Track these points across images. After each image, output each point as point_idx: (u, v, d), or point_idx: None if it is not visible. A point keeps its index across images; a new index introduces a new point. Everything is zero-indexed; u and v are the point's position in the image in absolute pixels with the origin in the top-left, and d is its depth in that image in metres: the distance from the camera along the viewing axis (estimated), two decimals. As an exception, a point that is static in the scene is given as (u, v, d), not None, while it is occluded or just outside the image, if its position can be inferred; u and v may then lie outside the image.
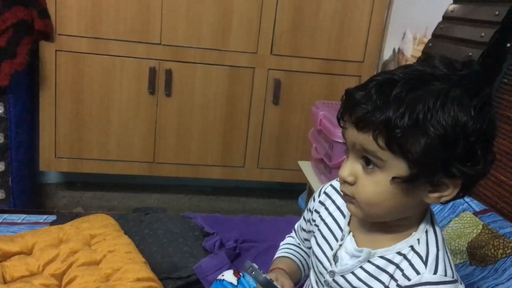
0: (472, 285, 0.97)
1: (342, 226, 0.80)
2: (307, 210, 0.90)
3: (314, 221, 0.86)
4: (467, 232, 1.07)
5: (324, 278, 0.79)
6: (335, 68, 2.28)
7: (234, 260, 1.19)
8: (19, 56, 1.94)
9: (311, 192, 2.05)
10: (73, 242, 1.12)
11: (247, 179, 2.40)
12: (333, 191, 0.85)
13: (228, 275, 0.90)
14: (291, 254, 0.94)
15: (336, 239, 0.80)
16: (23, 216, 1.33)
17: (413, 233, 0.72)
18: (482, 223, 1.08)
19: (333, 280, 0.78)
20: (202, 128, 2.28)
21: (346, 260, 0.76)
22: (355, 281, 0.74)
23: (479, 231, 1.05)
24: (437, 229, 0.73)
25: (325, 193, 0.86)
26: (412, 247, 0.71)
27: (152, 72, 2.15)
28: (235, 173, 2.38)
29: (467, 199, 1.20)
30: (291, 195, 2.59)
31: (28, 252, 1.10)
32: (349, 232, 0.78)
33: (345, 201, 0.74)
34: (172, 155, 2.28)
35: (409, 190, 0.67)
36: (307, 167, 2.08)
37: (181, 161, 2.30)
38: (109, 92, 2.16)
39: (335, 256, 0.78)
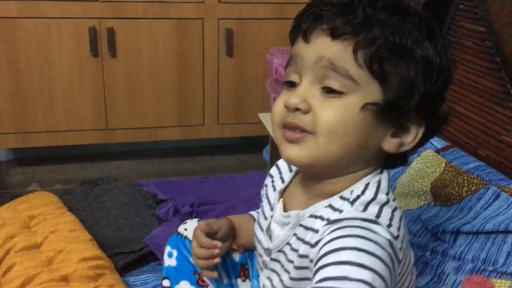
0: (438, 226, 0.93)
1: (276, 195, 0.70)
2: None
3: (262, 196, 0.76)
4: (429, 172, 1.01)
5: (263, 259, 0.69)
6: (289, 12, 2.15)
7: (190, 226, 1.11)
8: None
9: (274, 145, 1.98)
10: (10, 226, 1.02)
11: (208, 137, 2.31)
12: (284, 163, 0.74)
13: (191, 230, 0.77)
14: (257, 212, 0.82)
15: (271, 210, 0.70)
16: (-44, 202, 1.21)
17: (352, 186, 0.61)
18: (444, 160, 1.03)
19: (271, 259, 0.67)
20: (155, 88, 2.15)
21: (277, 231, 0.66)
22: (290, 254, 0.63)
23: (442, 169, 1.00)
24: (384, 189, 0.61)
25: (276, 164, 0.76)
26: (341, 197, 0.61)
27: (93, 32, 1.98)
28: (195, 132, 2.28)
29: (428, 137, 1.14)
30: (255, 148, 2.52)
31: (-41, 243, 1.00)
32: (279, 200, 0.68)
33: (288, 142, 0.59)
34: (125, 120, 2.16)
35: (375, 125, 0.58)
36: (267, 119, 2.00)
37: (136, 125, 2.18)
38: (48, 59, 2.00)
39: (268, 230, 0.68)
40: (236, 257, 0.81)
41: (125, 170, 2.44)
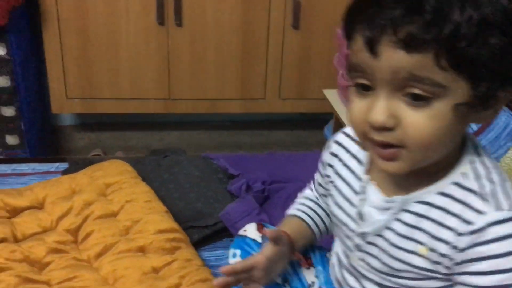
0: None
1: (360, 175, 0.66)
2: (321, 163, 0.76)
3: (328, 177, 0.72)
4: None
5: (355, 242, 0.67)
6: (360, -16, 2.05)
7: (263, 204, 1.09)
8: (15, -9, 1.78)
9: (338, 122, 1.92)
10: (87, 193, 1.03)
11: (268, 111, 2.27)
12: (346, 138, 0.70)
13: (251, 230, 0.80)
14: (303, 212, 0.81)
15: (356, 193, 0.66)
16: (33, 165, 1.24)
17: (454, 166, 0.58)
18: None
19: (367, 242, 0.65)
20: (218, 59, 2.12)
21: (376, 216, 0.63)
22: (394, 238, 0.61)
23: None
24: (486, 158, 0.59)
25: (336, 142, 0.71)
26: (458, 184, 0.57)
27: (160, 0, 1.96)
28: (256, 106, 2.25)
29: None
30: (316, 125, 2.46)
31: (39, 206, 1.02)
32: (369, 181, 0.64)
33: (383, 159, 0.56)
34: (187, 90, 2.15)
35: (466, 117, 0.54)
36: (332, 96, 1.94)
37: (197, 96, 2.17)
38: (115, 26, 2.00)
39: (360, 214, 0.65)
40: None
41: (184, 140, 2.45)
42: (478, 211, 0.56)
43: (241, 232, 0.81)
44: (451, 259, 0.58)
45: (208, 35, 2.07)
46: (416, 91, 0.51)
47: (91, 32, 1.99)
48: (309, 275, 0.79)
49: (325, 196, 0.77)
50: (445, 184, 0.58)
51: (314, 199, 0.83)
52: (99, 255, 0.91)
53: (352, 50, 0.55)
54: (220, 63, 2.13)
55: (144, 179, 1.13)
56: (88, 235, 0.95)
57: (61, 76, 2.03)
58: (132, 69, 2.07)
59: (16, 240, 0.93)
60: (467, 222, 0.56)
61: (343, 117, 1.77)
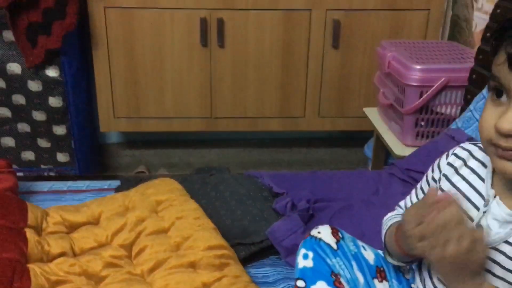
0: None
1: (482, 191, 0.69)
2: (427, 180, 0.78)
3: (441, 188, 0.74)
4: None
5: None
6: (399, 2, 2.07)
7: (308, 222, 1.11)
8: (68, 16, 1.88)
9: (378, 140, 1.93)
10: (140, 210, 1.07)
11: (307, 129, 2.30)
12: (465, 152, 0.74)
13: (326, 234, 0.79)
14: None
15: (476, 208, 0.68)
16: (87, 182, 1.30)
17: None
18: None
19: None
20: (258, 78, 2.17)
21: (496, 229, 0.66)
22: (510, 252, 0.64)
23: None
24: None
25: (455, 154, 0.75)
26: None
27: (204, 23, 2.03)
28: (295, 124, 2.28)
29: None
30: (354, 143, 2.47)
31: (95, 222, 1.07)
32: (494, 196, 0.67)
33: (502, 158, 0.61)
34: (229, 109, 2.20)
35: None
36: (373, 114, 1.95)
37: (238, 115, 2.22)
38: (161, 47, 2.08)
39: (478, 226, 0.67)
40: (371, 259, 0.80)
41: (224, 158, 2.50)
42: None
43: (314, 233, 0.80)
44: None
45: (249, 55, 2.12)
46: None
47: (138, 54, 2.08)
48: None
49: None
50: None
51: None
52: (152, 270, 0.95)
53: (495, 64, 0.61)
54: (261, 82, 2.17)
55: (192, 196, 1.17)
56: (141, 250, 0.99)
57: (109, 96, 2.13)
58: (176, 89, 2.14)
59: (75, 254, 0.99)
60: None
61: (384, 135, 1.78)
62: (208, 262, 0.95)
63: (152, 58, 2.09)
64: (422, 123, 1.58)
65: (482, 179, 0.70)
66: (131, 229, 1.03)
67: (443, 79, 1.52)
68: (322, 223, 1.10)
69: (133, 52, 2.08)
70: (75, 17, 1.88)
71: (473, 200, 0.70)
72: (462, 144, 0.76)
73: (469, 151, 0.73)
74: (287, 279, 0.98)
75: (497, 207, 0.66)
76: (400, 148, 1.62)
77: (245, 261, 1.02)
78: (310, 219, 1.13)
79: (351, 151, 2.53)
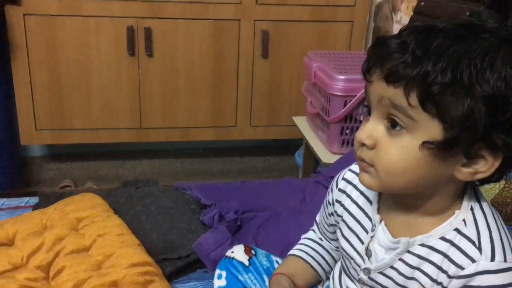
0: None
1: (370, 214, 0.70)
2: (327, 203, 0.79)
3: (336, 212, 0.76)
4: (487, 188, 0.98)
5: (358, 276, 0.70)
6: (325, 14, 2.13)
7: (236, 233, 1.10)
8: (-17, 23, 1.78)
9: (308, 148, 1.96)
10: (58, 228, 1.02)
11: (240, 138, 2.30)
12: (353, 175, 0.75)
13: (239, 253, 0.82)
14: (303, 251, 0.84)
15: (366, 230, 0.70)
16: (3, 200, 1.22)
17: (456, 211, 0.62)
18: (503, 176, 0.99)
19: (369, 278, 0.68)
20: (189, 88, 2.15)
21: (381, 255, 0.67)
22: (396, 277, 0.65)
23: (502, 186, 0.97)
24: (484, 204, 0.63)
25: (344, 179, 0.76)
26: (458, 230, 0.61)
27: (131, 31, 1.99)
28: (228, 133, 2.28)
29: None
30: (286, 151, 2.50)
31: (9, 243, 1.00)
32: (380, 221, 0.68)
33: (361, 169, 0.64)
34: (159, 119, 2.16)
35: (439, 160, 0.57)
36: (302, 123, 1.99)
37: (169, 125, 2.19)
38: (86, 56, 2.01)
39: (367, 251, 0.69)
40: None
41: (156, 169, 2.45)
42: (471, 259, 0.60)
43: (228, 253, 0.83)
44: None
45: (179, 64, 2.10)
46: (395, 118, 0.58)
47: (61, 63, 2.00)
48: None
49: (333, 233, 0.79)
50: (448, 230, 0.62)
51: (317, 240, 0.85)
52: (71, 291, 0.90)
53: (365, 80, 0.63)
54: (191, 91, 2.15)
55: (117, 211, 1.12)
56: (60, 271, 0.93)
57: (30, 107, 2.02)
58: (103, 99, 2.08)
59: (-14, 279, 0.92)
60: (459, 266, 0.60)
61: (312, 143, 1.82)
62: (132, 280, 0.91)
63: (77, 68, 2.01)
64: (347, 131, 1.63)
65: (371, 202, 0.71)
66: (49, 249, 0.98)
67: (366, 89, 1.57)
68: (249, 233, 1.11)
69: (56, 61, 1.99)
70: (-9, 24, 1.78)
71: (363, 223, 0.71)
72: (351, 167, 0.76)
73: (357, 173, 0.73)
74: (214, 293, 0.96)
75: (382, 233, 0.67)
76: (327, 156, 1.66)
77: (172, 277, 1.00)
78: (238, 230, 1.12)
79: (283, 159, 2.57)
